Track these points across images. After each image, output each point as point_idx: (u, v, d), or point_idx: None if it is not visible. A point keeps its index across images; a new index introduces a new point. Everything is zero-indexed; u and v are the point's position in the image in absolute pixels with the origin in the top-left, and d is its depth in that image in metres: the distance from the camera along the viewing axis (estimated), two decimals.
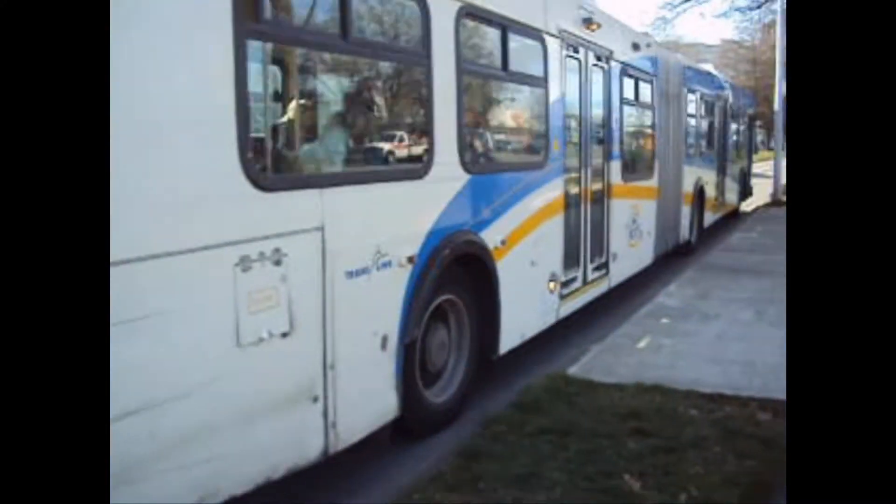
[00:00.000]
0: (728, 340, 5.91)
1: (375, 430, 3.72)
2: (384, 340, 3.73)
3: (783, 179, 19.02)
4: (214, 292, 2.76)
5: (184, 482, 2.65)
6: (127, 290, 2.35)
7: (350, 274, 3.45)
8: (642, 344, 5.86)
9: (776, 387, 4.74)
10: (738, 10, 21.60)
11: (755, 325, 6.39)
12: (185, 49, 2.66)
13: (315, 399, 3.25)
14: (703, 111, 11.78)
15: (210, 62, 2.75)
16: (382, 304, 3.73)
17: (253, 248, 2.87)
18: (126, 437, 2.34)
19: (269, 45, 3.24)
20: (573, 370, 5.20)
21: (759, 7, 21.08)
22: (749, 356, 5.44)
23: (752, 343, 5.80)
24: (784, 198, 18.59)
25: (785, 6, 17.67)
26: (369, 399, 3.67)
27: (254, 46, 2.98)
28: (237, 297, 2.80)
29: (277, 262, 3.00)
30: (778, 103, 18.12)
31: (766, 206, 17.91)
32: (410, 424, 4.08)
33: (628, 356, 5.56)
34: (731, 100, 14.22)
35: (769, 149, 38.20)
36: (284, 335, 3.04)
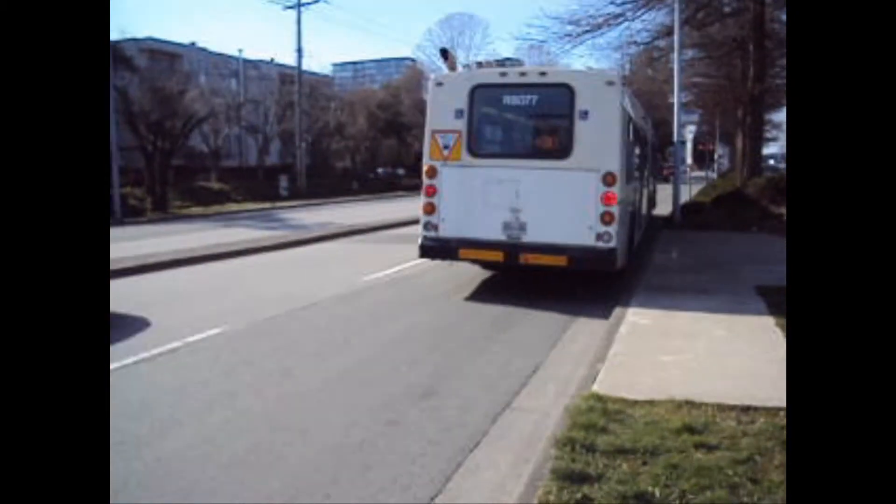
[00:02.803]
0: (720, 356, 6.30)
1: (623, 266, 10.10)
2: (633, 235, 11.45)
3: (681, 201, 20.24)
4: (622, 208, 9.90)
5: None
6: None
7: (625, 212, 10.14)
8: (647, 362, 6.15)
9: None
10: (634, 43, 22.93)
11: (734, 341, 6.84)
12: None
13: (610, 245, 9.52)
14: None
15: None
16: (630, 224, 10.91)
17: (627, 202, 10.66)
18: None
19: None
20: (598, 388, 5.40)
21: (654, 41, 22.54)
22: (750, 370, 5.85)
23: (743, 358, 6.22)
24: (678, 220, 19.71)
25: (677, 43, 18.96)
26: (626, 255, 10.29)
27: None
28: (620, 213, 9.73)
29: (627, 205, 10.63)
30: (676, 134, 19.38)
31: (668, 228, 18.89)
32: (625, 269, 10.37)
33: (640, 373, 5.83)
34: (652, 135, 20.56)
35: None
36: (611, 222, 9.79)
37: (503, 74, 10.02)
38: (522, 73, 10.03)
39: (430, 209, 10.15)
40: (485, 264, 10.93)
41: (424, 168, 10.24)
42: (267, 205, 32.64)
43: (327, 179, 43.92)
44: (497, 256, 9.85)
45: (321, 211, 29.89)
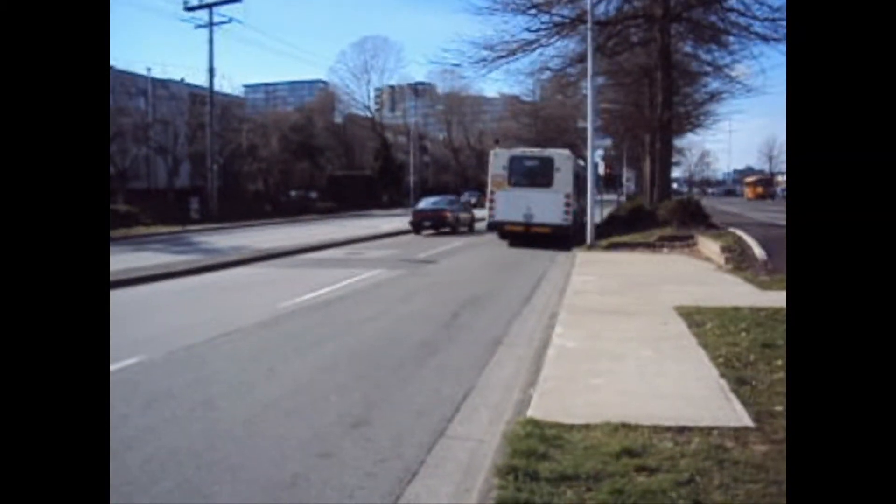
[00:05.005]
0: (651, 377, 6.38)
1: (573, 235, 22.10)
2: (577, 223, 22.83)
3: (596, 220, 20.75)
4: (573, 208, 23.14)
5: None
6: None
7: (574, 210, 22.57)
8: (578, 385, 6.17)
9: (723, 416, 5.25)
10: (547, 69, 23.51)
11: (662, 362, 6.94)
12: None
13: (568, 224, 22.36)
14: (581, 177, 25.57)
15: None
16: (576, 217, 22.80)
17: (576, 206, 22.86)
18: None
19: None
20: (533, 414, 5.37)
21: (566, 67, 23.19)
22: (680, 390, 5.94)
23: (672, 378, 6.31)
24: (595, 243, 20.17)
25: (590, 69, 19.50)
26: (574, 230, 22.21)
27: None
28: (572, 210, 22.94)
29: (576, 208, 23.15)
30: (590, 158, 20.07)
31: (584, 249, 19.43)
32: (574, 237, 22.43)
33: (573, 397, 5.83)
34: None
35: None
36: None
37: (524, 152, 23.81)
38: (532, 151, 23.82)
39: (491, 209, 22.34)
40: (513, 233, 22.33)
41: (489, 191, 22.50)
42: (178, 228, 31.57)
43: (239, 202, 42.91)
44: (520, 229, 21.81)
45: (234, 234, 29.15)
